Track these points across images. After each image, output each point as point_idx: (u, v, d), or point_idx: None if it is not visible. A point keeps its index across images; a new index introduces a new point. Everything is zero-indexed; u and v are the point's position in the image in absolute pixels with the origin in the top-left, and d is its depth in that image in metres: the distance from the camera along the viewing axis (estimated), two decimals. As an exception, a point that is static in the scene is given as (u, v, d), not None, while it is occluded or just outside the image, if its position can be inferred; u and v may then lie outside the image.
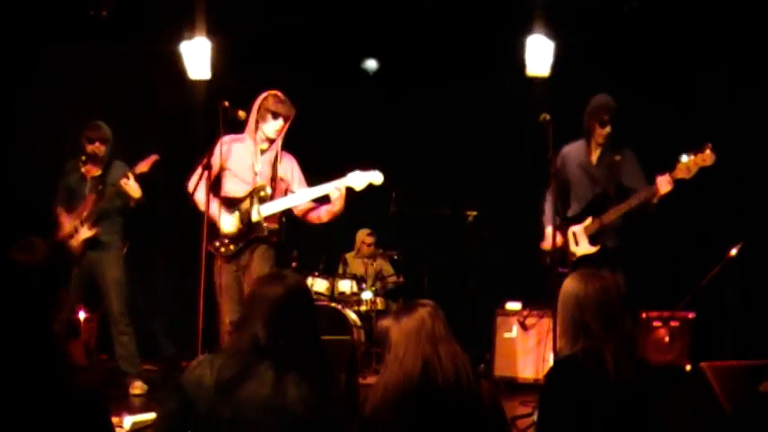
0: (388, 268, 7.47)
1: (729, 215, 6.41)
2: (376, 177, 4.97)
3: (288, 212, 5.18)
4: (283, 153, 5.18)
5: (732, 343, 6.24)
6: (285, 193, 5.14)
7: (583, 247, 5.10)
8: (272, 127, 5.06)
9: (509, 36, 6.56)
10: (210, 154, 4.77)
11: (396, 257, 7.44)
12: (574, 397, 2.66)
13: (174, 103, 7.26)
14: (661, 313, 5.92)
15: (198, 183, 4.84)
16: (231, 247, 4.97)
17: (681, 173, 4.74)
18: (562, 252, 5.07)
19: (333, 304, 6.57)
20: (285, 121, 5.07)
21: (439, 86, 7.46)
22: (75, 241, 5.72)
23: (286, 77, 6.06)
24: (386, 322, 2.83)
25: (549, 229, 5.12)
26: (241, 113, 4.85)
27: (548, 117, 4.64)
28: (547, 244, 5.15)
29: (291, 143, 5.22)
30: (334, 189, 4.96)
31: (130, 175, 5.56)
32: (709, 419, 3.62)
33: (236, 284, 4.97)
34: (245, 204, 5.01)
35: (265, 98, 5.07)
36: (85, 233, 5.72)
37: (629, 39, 6.58)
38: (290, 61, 7.23)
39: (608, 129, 5.09)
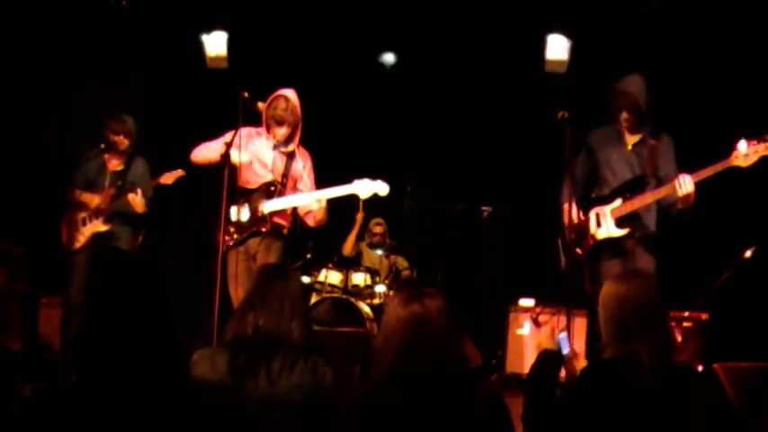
0: (402, 262, 7.46)
1: (744, 217, 6.38)
2: (381, 188, 4.99)
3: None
4: (300, 150, 5.20)
5: (745, 344, 6.22)
6: (295, 188, 5.17)
7: (606, 230, 4.80)
8: (277, 132, 5.09)
9: (528, 33, 6.56)
10: (232, 139, 4.76)
11: (410, 252, 7.44)
12: (604, 402, 2.65)
13: (193, 94, 7.29)
14: (674, 314, 5.91)
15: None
16: (235, 236, 5.04)
17: (738, 160, 4.44)
18: (581, 232, 4.86)
19: (346, 297, 6.60)
20: (288, 128, 5.08)
21: (456, 82, 7.46)
22: (88, 231, 5.72)
23: (303, 70, 6.09)
24: (389, 302, 2.78)
25: (566, 206, 4.81)
26: (261, 104, 4.87)
27: (566, 115, 4.57)
28: (565, 220, 4.83)
29: (307, 138, 5.24)
30: (315, 202, 4.99)
31: (139, 191, 5.55)
32: (720, 421, 3.62)
33: (247, 274, 4.99)
34: (255, 197, 5.06)
35: (273, 100, 5.06)
36: (98, 226, 5.70)
37: (648, 39, 6.56)
38: (307, 54, 7.25)
39: (626, 115, 4.83)
